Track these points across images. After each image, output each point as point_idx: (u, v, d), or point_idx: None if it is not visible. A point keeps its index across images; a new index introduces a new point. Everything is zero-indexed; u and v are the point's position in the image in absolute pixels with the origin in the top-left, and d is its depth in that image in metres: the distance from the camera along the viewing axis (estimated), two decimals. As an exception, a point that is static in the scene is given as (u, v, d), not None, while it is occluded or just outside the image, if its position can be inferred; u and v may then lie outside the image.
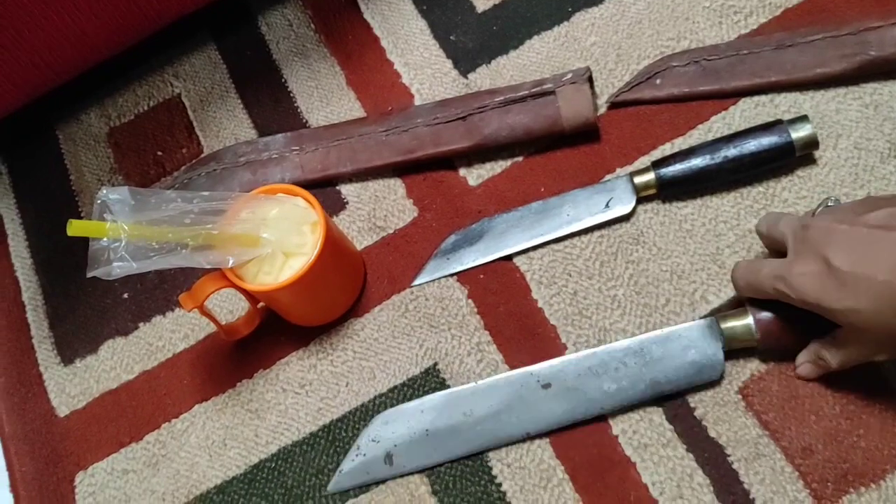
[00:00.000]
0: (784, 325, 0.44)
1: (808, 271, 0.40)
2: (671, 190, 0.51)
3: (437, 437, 0.48)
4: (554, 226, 0.52)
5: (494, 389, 0.48)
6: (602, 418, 0.47)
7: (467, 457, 0.48)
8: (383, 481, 0.48)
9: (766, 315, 0.45)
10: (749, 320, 0.45)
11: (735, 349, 0.46)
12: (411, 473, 0.48)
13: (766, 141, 0.49)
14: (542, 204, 0.53)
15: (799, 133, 0.49)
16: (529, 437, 0.47)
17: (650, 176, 0.51)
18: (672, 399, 0.47)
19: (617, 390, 0.46)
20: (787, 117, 0.52)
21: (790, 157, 0.50)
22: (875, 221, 0.39)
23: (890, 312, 0.37)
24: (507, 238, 0.53)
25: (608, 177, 0.54)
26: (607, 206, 0.52)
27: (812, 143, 0.49)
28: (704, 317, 0.48)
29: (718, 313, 0.47)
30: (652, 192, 0.51)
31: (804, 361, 0.45)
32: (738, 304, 0.48)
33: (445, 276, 0.53)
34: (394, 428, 0.49)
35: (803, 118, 0.49)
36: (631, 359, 0.47)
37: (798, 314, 0.43)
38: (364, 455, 0.49)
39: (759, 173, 0.51)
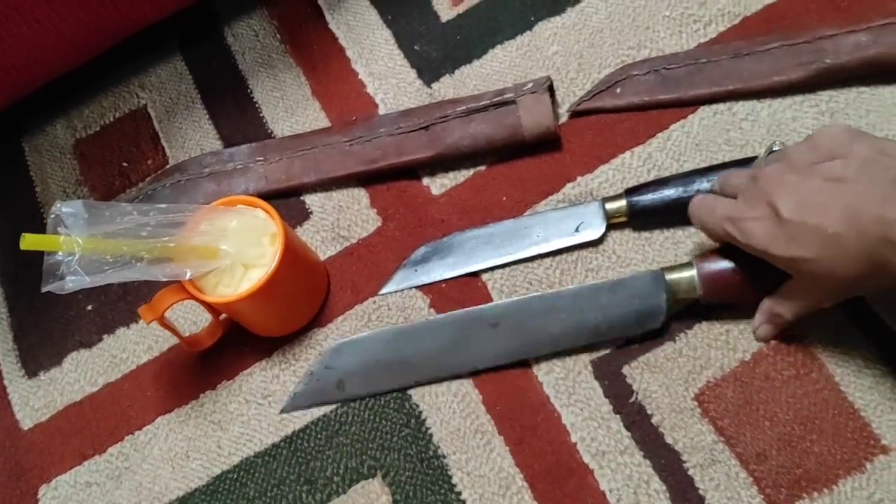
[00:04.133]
0: (728, 280, 0.45)
1: (759, 216, 0.41)
2: (642, 219, 0.51)
3: (388, 367, 0.50)
4: (523, 245, 0.52)
5: (445, 325, 0.50)
6: (561, 426, 0.48)
7: (422, 456, 0.48)
8: (334, 403, 0.51)
9: (709, 268, 0.46)
10: (693, 273, 0.46)
11: (679, 300, 0.47)
12: (361, 398, 0.50)
13: None
14: (513, 222, 0.53)
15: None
16: (475, 373, 0.49)
17: (622, 203, 0.51)
18: (620, 379, 0.47)
19: (562, 332, 0.48)
20: (744, 125, 0.53)
21: None
22: (828, 173, 0.39)
23: (839, 261, 0.38)
24: (476, 254, 0.53)
25: (569, 185, 0.54)
26: (577, 230, 0.52)
27: None
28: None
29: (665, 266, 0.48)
30: (623, 219, 0.51)
31: (761, 323, 0.46)
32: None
33: (412, 288, 0.53)
34: (347, 357, 0.50)
35: (777, 153, 0.48)
36: (578, 303, 0.48)
37: (744, 268, 0.44)
38: (318, 380, 0.51)
39: None
